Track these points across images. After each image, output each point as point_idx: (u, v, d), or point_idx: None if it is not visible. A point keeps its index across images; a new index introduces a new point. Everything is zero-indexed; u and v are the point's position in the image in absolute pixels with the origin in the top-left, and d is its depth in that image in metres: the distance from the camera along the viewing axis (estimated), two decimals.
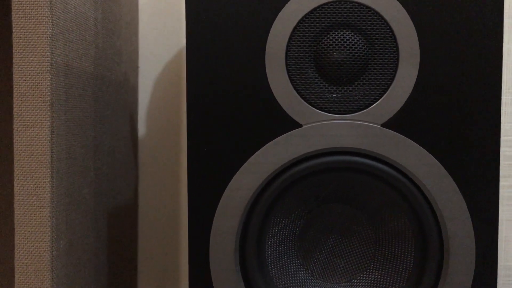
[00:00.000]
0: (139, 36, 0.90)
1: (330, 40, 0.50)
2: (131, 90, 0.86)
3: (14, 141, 0.51)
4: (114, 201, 0.75)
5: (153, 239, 0.90)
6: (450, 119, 0.50)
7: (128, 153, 0.83)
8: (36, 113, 0.51)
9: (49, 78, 0.51)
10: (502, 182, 0.83)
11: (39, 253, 0.52)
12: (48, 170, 0.51)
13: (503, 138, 0.83)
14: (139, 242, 0.90)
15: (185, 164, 0.90)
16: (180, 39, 0.90)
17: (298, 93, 0.51)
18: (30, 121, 0.51)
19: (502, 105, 0.83)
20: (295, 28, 0.50)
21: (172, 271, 0.90)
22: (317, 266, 0.55)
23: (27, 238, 0.52)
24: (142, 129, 0.91)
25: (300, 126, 0.51)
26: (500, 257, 0.85)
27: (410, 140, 0.50)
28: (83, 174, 0.61)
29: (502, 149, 0.83)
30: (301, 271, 0.55)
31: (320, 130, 0.51)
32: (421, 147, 0.50)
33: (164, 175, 0.90)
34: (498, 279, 0.80)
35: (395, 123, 0.50)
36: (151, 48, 0.91)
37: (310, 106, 0.51)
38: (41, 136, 0.51)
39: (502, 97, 0.83)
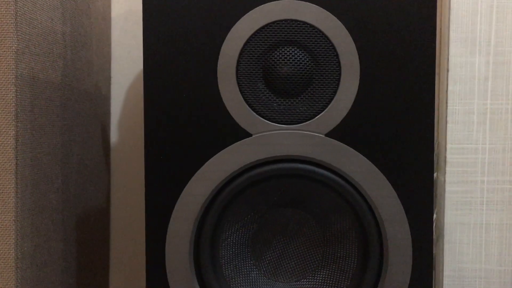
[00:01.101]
0: (111, 47, 0.94)
1: (278, 56, 0.54)
2: (103, 100, 0.89)
3: None
4: (84, 206, 0.78)
5: (125, 241, 0.93)
6: (388, 129, 0.54)
7: (99, 161, 0.86)
8: (1, 123, 0.54)
9: (13, 90, 0.54)
10: (454, 188, 0.88)
11: (4, 254, 0.55)
12: (13, 176, 0.55)
13: (455, 145, 0.88)
14: (111, 245, 0.93)
15: None
16: None
17: (249, 104, 0.55)
18: None
19: (454, 114, 0.88)
20: (244, 44, 0.54)
21: (143, 272, 0.93)
22: (269, 267, 0.59)
23: None
24: (114, 137, 0.94)
25: (250, 135, 0.55)
26: (453, 259, 0.89)
27: (351, 148, 0.54)
28: (49, 181, 0.64)
29: (454, 156, 0.88)
30: (253, 271, 0.58)
31: (269, 139, 0.54)
32: (361, 155, 0.54)
33: (136, 181, 0.93)
34: (451, 280, 0.84)
35: (338, 133, 0.54)
36: (123, 59, 0.94)
37: (260, 117, 0.55)
38: (6, 144, 0.54)
39: (453, 107, 0.87)
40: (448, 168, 0.86)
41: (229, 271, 0.57)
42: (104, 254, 0.90)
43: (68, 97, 0.70)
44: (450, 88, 0.86)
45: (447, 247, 0.88)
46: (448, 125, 0.86)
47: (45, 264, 0.63)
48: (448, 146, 0.82)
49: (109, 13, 0.92)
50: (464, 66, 0.87)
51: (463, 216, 0.89)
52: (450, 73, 0.87)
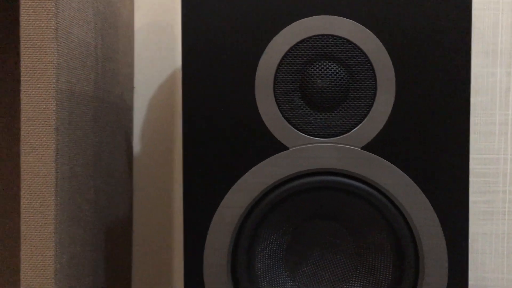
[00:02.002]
0: (134, 58, 0.95)
1: (314, 70, 0.55)
2: (127, 110, 0.90)
3: (21, 162, 0.55)
4: (111, 217, 0.78)
5: (147, 254, 0.94)
6: (423, 142, 0.55)
7: (124, 171, 0.87)
8: (42, 136, 0.55)
9: (54, 104, 0.55)
10: (477, 198, 0.88)
11: (44, 266, 0.55)
12: (53, 189, 0.55)
13: (477, 156, 0.89)
14: (133, 256, 0.94)
15: (179, 181, 0.94)
16: (174, 61, 0.95)
17: (285, 118, 0.55)
18: (36, 143, 0.55)
19: (476, 125, 0.88)
20: (282, 59, 0.55)
21: (165, 285, 0.94)
22: (303, 278, 0.59)
23: (33, 253, 0.55)
24: (136, 147, 0.95)
25: (287, 148, 0.55)
26: (477, 269, 0.89)
27: (387, 161, 0.55)
28: (83, 192, 0.64)
29: (476, 166, 0.88)
30: (288, 282, 0.59)
31: (305, 152, 0.55)
32: (397, 168, 0.55)
33: (158, 192, 0.94)
34: None
35: (373, 146, 0.55)
36: (146, 70, 0.95)
37: (296, 130, 0.55)
38: (46, 158, 0.55)
39: (475, 118, 0.88)
40: (470, 178, 0.86)
41: (265, 283, 0.58)
42: (127, 266, 0.91)
43: (98, 109, 0.71)
44: (472, 99, 0.87)
45: (469, 257, 0.88)
46: (470, 135, 0.87)
47: (80, 276, 0.63)
48: (470, 156, 0.83)
49: (133, 24, 0.93)
50: (485, 77, 0.88)
51: (485, 226, 0.89)
52: (471, 85, 0.87)
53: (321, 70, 0.55)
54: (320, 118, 0.56)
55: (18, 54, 0.55)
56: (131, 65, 0.92)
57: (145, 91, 0.95)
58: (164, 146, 0.94)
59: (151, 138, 0.95)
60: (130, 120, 0.93)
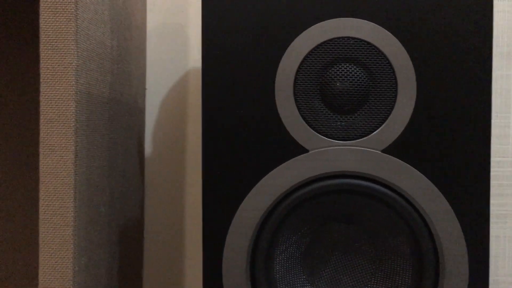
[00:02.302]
0: (146, 59, 0.94)
1: (334, 72, 0.55)
2: (139, 111, 0.90)
3: (40, 163, 0.55)
4: (124, 219, 0.78)
5: (158, 256, 0.93)
6: (444, 145, 0.55)
7: (136, 172, 0.87)
8: (61, 138, 0.55)
9: (74, 106, 0.55)
10: (491, 201, 0.88)
11: (62, 269, 0.55)
12: (72, 191, 0.55)
13: (492, 159, 0.88)
14: (144, 258, 0.94)
15: (190, 183, 0.94)
16: (185, 63, 0.95)
17: (305, 121, 0.55)
18: (56, 145, 0.55)
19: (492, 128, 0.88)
20: (302, 61, 0.55)
21: (176, 287, 0.93)
22: (321, 282, 0.59)
23: (51, 255, 0.55)
24: (148, 149, 0.95)
25: (307, 151, 0.55)
26: (490, 272, 0.89)
27: (407, 164, 0.55)
28: (100, 194, 0.64)
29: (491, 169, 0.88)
30: (306, 286, 0.59)
31: (325, 155, 0.55)
32: (417, 171, 0.55)
33: (169, 193, 0.94)
34: None
35: (394, 149, 0.55)
36: (157, 71, 0.95)
37: (316, 133, 0.55)
38: (65, 160, 0.55)
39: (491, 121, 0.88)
40: None
41: (283, 286, 0.58)
42: (138, 268, 0.90)
43: (114, 111, 0.71)
44: None
45: None
46: None
47: (96, 278, 0.63)
48: None
49: (145, 25, 0.93)
50: (499, 79, 0.87)
51: (499, 229, 0.89)
52: None
53: (341, 72, 0.55)
54: (340, 121, 0.55)
55: (37, 55, 0.55)
56: (143, 67, 0.92)
57: (156, 93, 0.95)
58: (176, 148, 0.94)
59: (163, 140, 0.95)
60: (142, 122, 0.92)
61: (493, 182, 0.88)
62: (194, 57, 0.95)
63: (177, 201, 0.94)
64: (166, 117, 0.95)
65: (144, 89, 0.94)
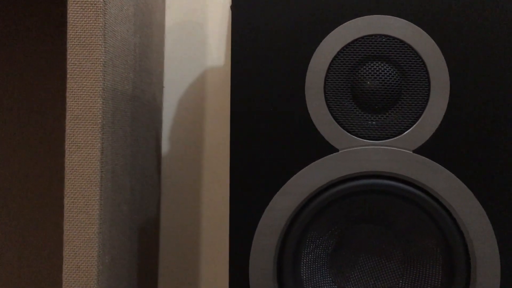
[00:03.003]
0: (164, 57, 0.94)
1: (366, 71, 0.54)
2: (157, 109, 0.89)
3: (66, 160, 0.54)
4: (143, 218, 0.77)
5: (173, 255, 0.92)
6: (477, 146, 0.54)
7: (153, 171, 0.86)
8: (88, 135, 0.54)
9: (100, 102, 0.54)
10: None
11: (87, 267, 0.54)
12: (98, 188, 0.54)
13: None
14: (160, 257, 0.93)
15: (207, 182, 0.93)
16: (204, 61, 0.94)
17: (335, 120, 0.54)
18: (82, 142, 0.54)
19: None
20: (333, 59, 0.54)
21: (192, 286, 0.93)
22: (348, 284, 0.58)
23: (76, 253, 0.55)
24: (165, 147, 0.94)
25: (337, 150, 0.54)
26: None
27: (439, 165, 0.54)
28: (122, 192, 0.64)
29: None
30: (333, 287, 0.58)
31: (355, 154, 0.54)
32: (450, 172, 0.54)
33: (186, 192, 0.93)
34: None
35: (426, 149, 0.54)
36: (176, 69, 0.94)
37: (347, 132, 0.54)
38: (92, 157, 0.54)
39: None
40: None
41: (310, 286, 0.57)
42: (154, 267, 0.90)
43: (136, 109, 0.70)
44: None
45: None
46: None
47: (119, 277, 0.62)
48: None
49: (164, 23, 0.92)
50: None
51: None
52: None
53: (372, 71, 0.54)
54: (371, 120, 0.54)
55: (64, 52, 0.54)
56: (161, 64, 0.91)
57: (174, 91, 0.94)
58: (193, 147, 0.93)
59: (180, 138, 0.94)
60: (160, 120, 0.92)
61: None
62: (212, 56, 0.94)
63: (194, 200, 0.93)
64: (183, 115, 0.94)
65: (162, 87, 0.93)
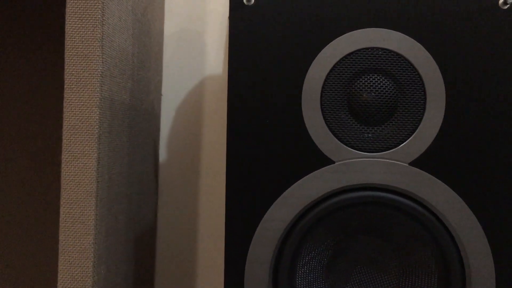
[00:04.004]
0: (163, 65, 0.94)
1: (362, 83, 0.54)
2: (155, 117, 0.89)
3: (62, 171, 0.54)
4: (139, 227, 0.77)
5: (170, 263, 0.92)
6: (473, 160, 0.54)
7: (151, 179, 0.86)
8: (85, 145, 0.54)
9: (98, 112, 0.54)
10: None
11: (82, 278, 0.54)
12: (93, 198, 0.54)
13: None
14: (156, 266, 0.93)
15: (204, 191, 0.93)
16: (202, 69, 0.94)
17: (332, 132, 0.54)
18: (78, 152, 0.54)
19: None
20: (329, 72, 0.54)
21: None
22: None
23: (71, 263, 0.54)
24: (162, 155, 0.94)
25: (333, 162, 0.54)
26: None
27: (435, 178, 0.54)
28: (119, 201, 0.64)
29: None
30: None
31: (351, 166, 0.54)
32: (445, 185, 0.54)
33: (183, 200, 0.93)
34: None
35: (422, 162, 0.54)
36: (174, 78, 0.94)
37: (343, 144, 0.54)
38: (88, 167, 0.54)
39: None
40: None
41: None
42: (150, 276, 0.89)
43: (133, 118, 0.70)
44: None
45: None
46: None
47: (115, 287, 0.62)
48: None
49: (163, 31, 0.92)
50: None
51: None
52: None
53: (369, 83, 0.54)
54: (367, 133, 0.54)
55: (62, 61, 0.54)
56: (160, 73, 0.92)
57: (172, 99, 0.94)
58: (190, 155, 0.93)
59: (177, 146, 0.94)
60: (158, 128, 0.92)
61: None
62: (211, 64, 0.94)
63: (191, 208, 0.93)
64: (181, 123, 0.94)
65: (160, 95, 0.93)
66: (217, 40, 0.94)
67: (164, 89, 0.94)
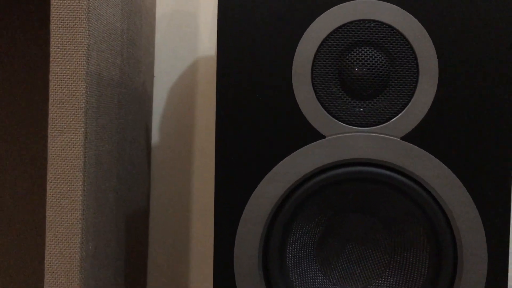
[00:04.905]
0: (155, 46, 0.93)
1: (354, 56, 0.53)
2: (147, 99, 0.88)
3: (49, 145, 0.53)
4: (130, 207, 0.77)
5: (163, 245, 0.92)
6: (466, 134, 0.53)
7: (143, 161, 0.85)
8: (71, 119, 0.53)
9: (84, 86, 0.53)
10: None
11: (69, 254, 0.54)
12: (81, 174, 0.54)
13: None
14: (149, 248, 0.92)
15: (197, 172, 0.92)
16: (195, 50, 0.93)
17: (323, 106, 0.53)
18: (65, 127, 0.53)
19: None
20: (320, 44, 0.53)
21: (181, 277, 0.92)
22: (334, 272, 0.58)
23: (58, 239, 0.54)
24: (155, 137, 0.93)
25: (324, 137, 0.53)
26: (510, 265, 0.87)
27: (427, 153, 0.53)
28: (108, 179, 0.63)
29: None
30: (319, 276, 0.57)
31: (342, 141, 0.53)
32: (438, 160, 0.53)
33: (176, 182, 0.92)
34: None
35: (414, 137, 0.53)
36: (166, 59, 0.93)
37: (334, 119, 0.53)
38: (75, 142, 0.53)
39: None
40: None
41: (296, 275, 0.56)
42: (143, 257, 0.89)
43: (123, 96, 0.69)
44: None
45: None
46: None
47: (103, 266, 0.61)
48: None
49: (154, 12, 0.91)
50: None
51: None
52: None
53: (360, 56, 0.53)
54: (359, 107, 0.54)
55: (47, 35, 0.53)
56: (152, 54, 0.90)
57: (165, 81, 0.93)
58: (183, 136, 0.92)
59: (170, 128, 0.93)
60: (150, 109, 0.91)
61: None
62: (204, 45, 0.93)
63: (184, 189, 0.92)
64: (174, 105, 0.93)
65: (153, 76, 0.92)
66: (210, 21, 0.93)
67: (157, 71, 0.93)
